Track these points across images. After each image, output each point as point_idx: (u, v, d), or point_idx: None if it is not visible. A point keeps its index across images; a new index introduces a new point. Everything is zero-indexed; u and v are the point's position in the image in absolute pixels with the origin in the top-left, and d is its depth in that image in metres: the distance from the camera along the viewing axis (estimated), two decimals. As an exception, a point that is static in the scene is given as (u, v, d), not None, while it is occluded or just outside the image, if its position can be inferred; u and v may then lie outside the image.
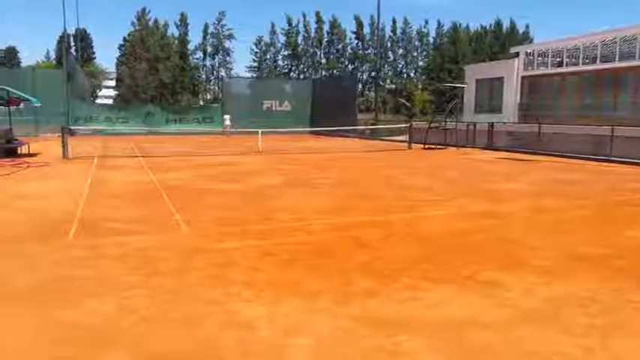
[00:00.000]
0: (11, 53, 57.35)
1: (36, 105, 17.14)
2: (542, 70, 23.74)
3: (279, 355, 2.81)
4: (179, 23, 53.21)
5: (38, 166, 12.49)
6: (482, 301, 3.63)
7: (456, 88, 26.75)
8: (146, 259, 4.62)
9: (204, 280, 4.04)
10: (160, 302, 3.58)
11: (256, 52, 58.46)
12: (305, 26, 58.01)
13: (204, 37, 54.69)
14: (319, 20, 58.15)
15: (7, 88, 15.58)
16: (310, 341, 2.97)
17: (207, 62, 55.87)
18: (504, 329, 3.14)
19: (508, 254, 4.83)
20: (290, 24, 57.91)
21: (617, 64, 20.11)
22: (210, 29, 54.54)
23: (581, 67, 21.89)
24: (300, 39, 58.19)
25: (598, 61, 21.11)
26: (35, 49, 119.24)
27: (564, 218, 6.63)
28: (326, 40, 58.68)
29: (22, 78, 28.23)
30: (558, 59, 23.38)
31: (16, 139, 15.86)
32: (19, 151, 15.29)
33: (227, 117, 29.96)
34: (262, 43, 58.19)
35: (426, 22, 65.99)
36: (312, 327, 3.17)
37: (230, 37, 55.33)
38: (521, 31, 59.00)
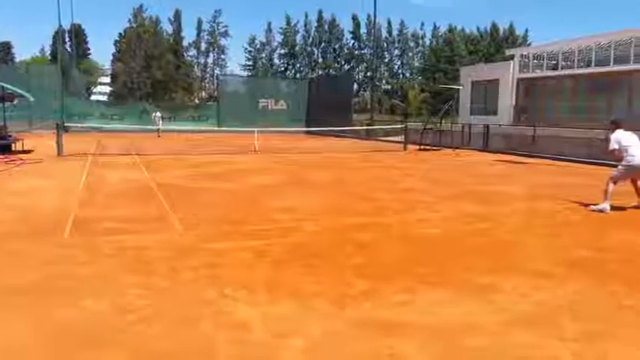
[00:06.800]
0: (5, 48, 56.93)
1: (30, 100, 17.04)
2: (537, 73, 23.83)
3: (273, 357, 2.82)
4: (173, 20, 53.14)
5: (32, 163, 12.42)
6: (476, 304, 3.65)
7: (451, 89, 26.83)
8: (141, 258, 4.61)
9: (199, 280, 4.04)
10: (154, 302, 3.58)
11: (250, 51, 58.44)
12: (305, 24, 58.04)
13: (198, 34, 54.62)
14: (320, 19, 58.13)
15: (2, 84, 15.47)
16: (304, 343, 2.98)
17: (202, 60, 55.82)
18: (498, 333, 3.16)
19: (503, 257, 4.85)
20: (288, 23, 57.90)
21: (611, 68, 20.23)
22: (206, 26, 54.52)
23: (577, 71, 22.00)
24: (298, 38, 58.23)
25: (593, 64, 21.22)
26: (29, 45, 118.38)
27: (559, 221, 6.67)
28: (323, 39, 58.72)
29: (16, 73, 28.07)
30: (554, 62, 23.47)
31: (10, 135, 15.75)
32: (13, 148, 15.19)
33: (158, 114, 27.63)
34: (256, 42, 58.18)
35: (422, 25, 66.55)
36: (306, 328, 3.18)
37: (225, 34, 55.30)
38: (519, 35, 59.28)
